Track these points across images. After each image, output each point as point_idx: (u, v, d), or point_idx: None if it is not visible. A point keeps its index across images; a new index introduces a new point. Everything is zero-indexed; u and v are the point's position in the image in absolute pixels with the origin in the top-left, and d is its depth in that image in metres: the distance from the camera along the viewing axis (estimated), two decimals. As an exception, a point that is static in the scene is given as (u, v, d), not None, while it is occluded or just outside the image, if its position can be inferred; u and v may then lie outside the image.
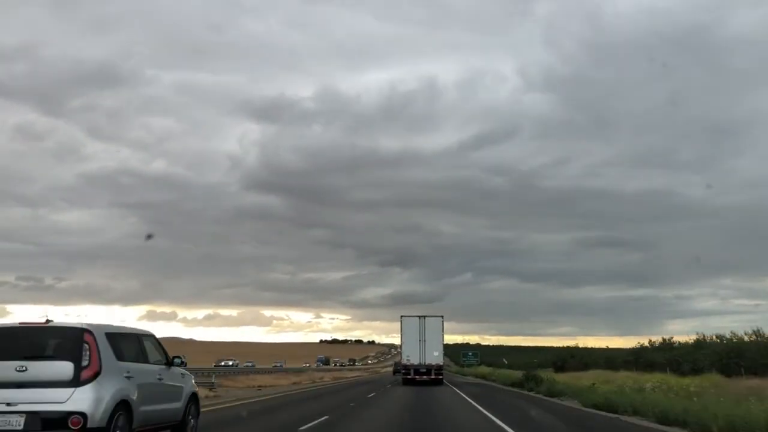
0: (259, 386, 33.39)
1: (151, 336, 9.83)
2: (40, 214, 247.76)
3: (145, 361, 9.18)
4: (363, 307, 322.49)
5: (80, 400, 7.52)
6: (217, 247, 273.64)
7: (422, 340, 34.26)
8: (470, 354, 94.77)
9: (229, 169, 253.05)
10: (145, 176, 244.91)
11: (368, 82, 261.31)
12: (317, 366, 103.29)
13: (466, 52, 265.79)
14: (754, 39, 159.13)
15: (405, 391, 28.90)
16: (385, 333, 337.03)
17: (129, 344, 8.88)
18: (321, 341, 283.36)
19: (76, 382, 7.61)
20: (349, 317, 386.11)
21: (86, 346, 7.82)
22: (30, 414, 7.42)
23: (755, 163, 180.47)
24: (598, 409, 18.60)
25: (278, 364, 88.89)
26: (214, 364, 68.45)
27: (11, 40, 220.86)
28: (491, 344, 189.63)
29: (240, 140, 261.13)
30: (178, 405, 9.90)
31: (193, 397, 10.52)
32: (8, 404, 7.46)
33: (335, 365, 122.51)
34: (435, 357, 34.41)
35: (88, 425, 7.47)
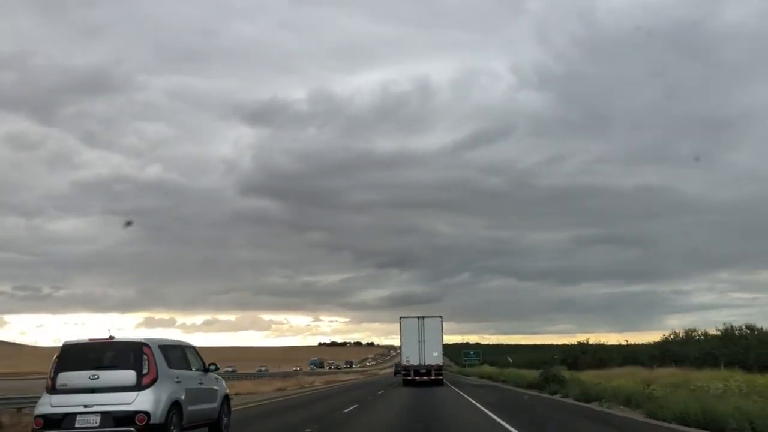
0: (234, 394, 30.29)
1: (191, 346, 11.51)
2: (36, 224, 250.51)
3: (188, 368, 10.85)
4: (362, 309, 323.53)
5: (143, 401, 9.18)
6: (214, 252, 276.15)
7: (422, 341, 34.27)
8: (471, 353, 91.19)
9: (224, 173, 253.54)
10: (140, 182, 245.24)
11: (361, 84, 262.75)
12: (311, 369, 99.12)
13: (459, 51, 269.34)
14: (746, 32, 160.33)
15: (400, 397, 25.67)
16: (385, 335, 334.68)
17: (176, 354, 10.55)
18: (320, 344, 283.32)
19: (138, 386, 9.27)
20: (348, 320, 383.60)
21: (145, 357, 9.49)
22: (104, 414, 9.08)
23: (750, 157, 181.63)
24: (687, 425, 12.42)
25: (262, 368, 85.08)
26: None
27: (1, 48, 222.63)
28: (491, 343, 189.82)
29: (234, 144, 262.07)
30: (215, 405, 11.57)
31: (226, 398, 12.21)
32: (85, 406, 9.12)
33: (329, 368, 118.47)
34: (435, 357, 34.43)
35: (151, 422, 9.13)
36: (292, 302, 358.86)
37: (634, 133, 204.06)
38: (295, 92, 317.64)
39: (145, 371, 9.38)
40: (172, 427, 9.58)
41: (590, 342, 53.00)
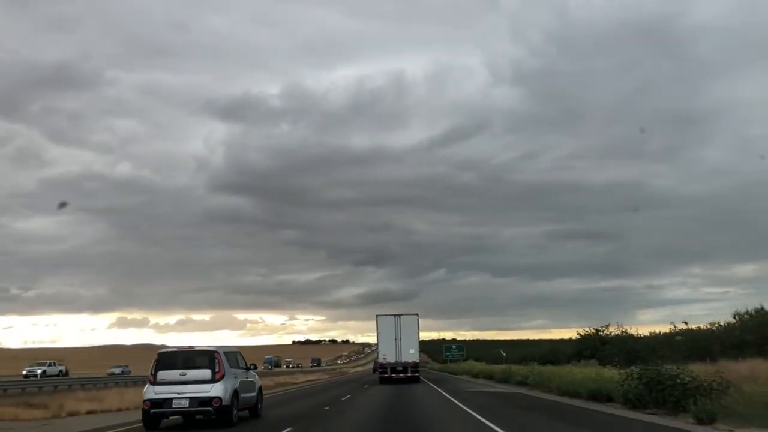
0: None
1: (239, 352, 15.81)
2: (3, 222, 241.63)
3: (239, 367, 15.13)
4: (338, 308, 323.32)
5: (217, 390, 13.44)
6: (187, 250, 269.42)
7: (398, 339, 34.74)
8: (454, 348, 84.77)
9: (195, 170, 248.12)
10: (111, 180, 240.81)
11: (336, 79, 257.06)
12: (266, 369, 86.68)
13: (434, 46, 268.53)
14: (717, 27, 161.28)
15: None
16: (361, 332, 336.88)
17: (232, 358, 14.83)
18: (294, 342, 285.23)
19: (213, 380, 13.53)
20: (323, 318, 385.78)
21: (216, 360, 13.78)
22: (191, 398, 13.33)
23: (720, 152, 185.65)
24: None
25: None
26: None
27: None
28: (466, 339, 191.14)
29: (206, 141, 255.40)
30: (254, 394, 15.90)
31: (260, 390, 16.58)
32: (178, 393, 13.35)
33: (287, 367, 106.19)
34: (411, 355, 34.98)
35: (222, 404, 13.41)
36: (268, 301, 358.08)
37: (607, 129, 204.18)
38: (268, 87, 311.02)
39: (216, 370, 13.67)
40: (233, 409, 13.91)
41: (611, 333, 39.30)
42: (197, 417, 13.90)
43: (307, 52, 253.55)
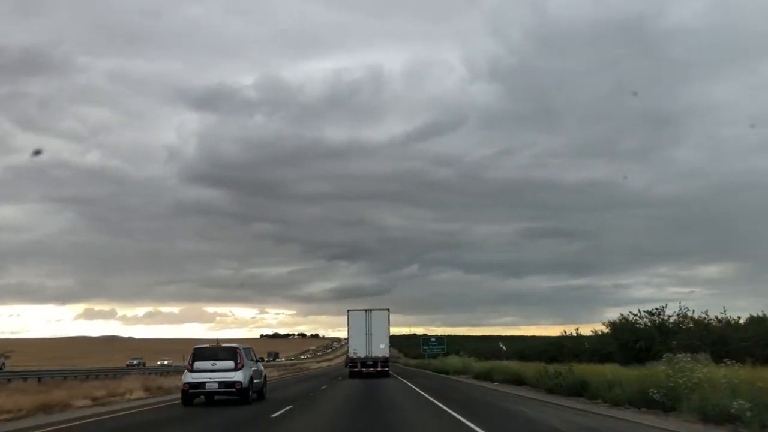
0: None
1: (251, 348, 20.22)
2: None
3: (252, 359, 19.57)
4: (309, 302, 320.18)
5: (238, 376, 17.80)
6: (157, 242, 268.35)
7: (369, 334, 35.06)
8: (433, 341, 70.24)
9: (167, 161, 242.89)
10: (80, 169, 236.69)
11: (312, 71, 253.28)
12: (267, 361, 77.73)
13: (412, 41, 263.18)
14: (692, 29, 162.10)
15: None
16: (332, 327, 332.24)
17: (248, 352, 19.22)
18: (261, 336, 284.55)
19: (235, 369, 17.89)
20: (294, 312, 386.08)
21: (237, 354, 18.18)
22: (219, 382, 17.69)
23: (691, 154, 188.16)
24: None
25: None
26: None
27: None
28: (437, 335, 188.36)
29: (178, 131, 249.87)
30: (261, 380, 20.32)
31: (265, 377, 21.08)
32: (210, 378, 17.71)
33: None
34: (381, 350, 35.38)
35: (243, 386, 17.83)
36: (238, 294, 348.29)
37: (582, 128, 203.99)
38: (243, 78, 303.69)
39: (238, 361, 18.04)
40: (250, 390, 18.34)
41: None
42: (217, 398, 18.31)
43: (284, 43, 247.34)
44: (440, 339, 70.90)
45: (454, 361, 50.90)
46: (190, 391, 17.74)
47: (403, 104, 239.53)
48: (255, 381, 19.11)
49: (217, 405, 18.06)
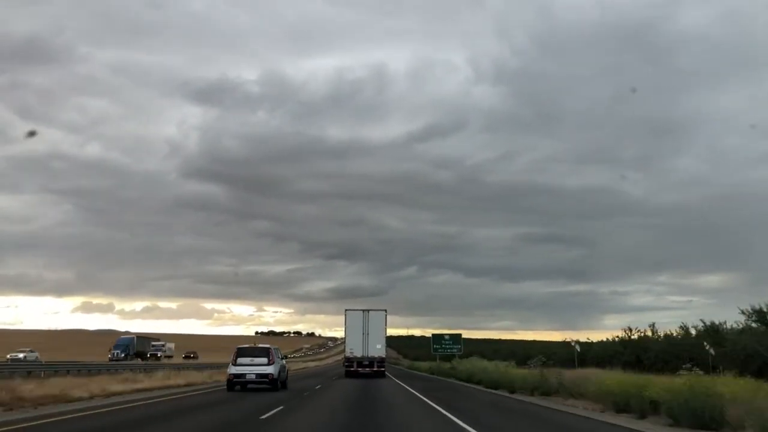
0: None
1: (279, 348, 25.74)
2: None
3: (279, 357, 25.09)
4: (307, 301, 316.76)
5: (270, 369, 23.31)
6: (155, 237, 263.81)
7: (366, 334, 35.29)
8: (447, 339, 56.79)
9: (167, 155, 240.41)
10: (79, 161, 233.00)
11: (316, 68, 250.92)
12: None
13: (417, 40, 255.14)
14: (700, 36, 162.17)
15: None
16: (329, 326, 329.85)
17: (277, 351, 24.83)
18: (256, 333, 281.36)
19: (268, 364, 23.39)
20: (292, 311, 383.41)
21: (270, 352, 23.74)
22: (256, 374, 23.17)
23: (692, 163, 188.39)
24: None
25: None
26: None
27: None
28: (451, 333, 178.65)
29: (179, 125, 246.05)
30: (285, 374, 25.85)
31: (287, 371, 26.55)
32: (249, 370, 23.18)
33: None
34: (378, 350, 35.67)
35: (273, 377, 23.31)
36: (236, 291, 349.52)
37: (584, 134, 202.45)
38: (246, 72, 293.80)
39: (270, 358, 23.54)
40: (278, 381, 23.80)
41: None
42: (250, 386, 23.66)
43: (288, 39, 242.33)
44: (455, 337, 57.47)
45: (484, 366, 37.37)
46: (234, 380, 23.22)
47: (406, 104, 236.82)
48: (281, 374, 24.57)
49: (252, 391, 23.43)
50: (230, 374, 23.37)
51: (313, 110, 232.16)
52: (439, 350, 56.85)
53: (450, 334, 59.06)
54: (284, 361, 26.47)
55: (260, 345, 24.75)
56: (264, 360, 23.46)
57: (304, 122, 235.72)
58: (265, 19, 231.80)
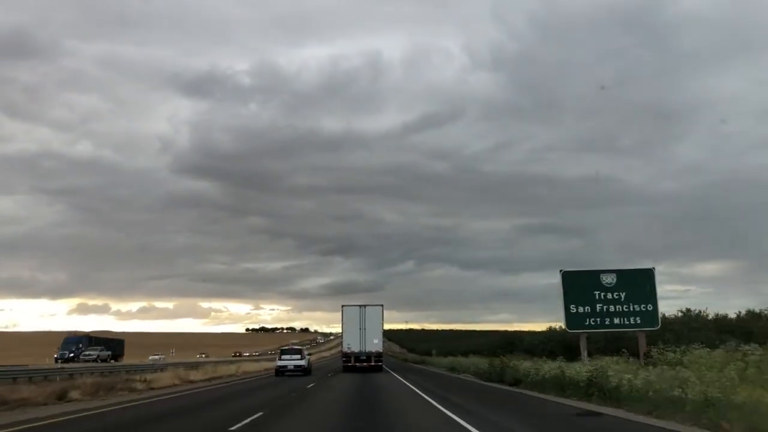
0: None
1: (306, 347, 37.97)
2: None
3: (307, 354, 37.38)
4: (303, 298, 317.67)
5: (303, 362, 35.40)
6: (149, 236, 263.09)
7: (362, 329, 35.88)
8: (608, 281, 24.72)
9: (159, 151, 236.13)
10: (70, 159, 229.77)
11: (309, 58, 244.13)
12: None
13: (411, 26, 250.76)
14: (703, 17, 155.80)
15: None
16: (326, 323, 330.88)
17: (305, 350, 37.13)
18: (247, 330, 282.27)
19: (301, 359, 35.43)
20: (289, 308, 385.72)
21: (302, 351, 36.07)
22: (294, 365, 35.17)
23: (693, 150, 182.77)
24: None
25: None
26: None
27: None
28: (433, 330, 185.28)
29: (170, 120, 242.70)
30: (310, 366, 37.74)
31: (311, 363, 38.75)
32: (289, 363, 35.07)
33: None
34: (375, 345, 36.10)
35: (305, 367, 35.30)
36: (232, 290, 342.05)
37: (583, 121, 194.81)
38: (237, 63, 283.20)
39: (302, 355, 35.75)
40: (308, 370, 35.76)
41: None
42: (287, 374, 35.08)
43: (280, 28, 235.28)
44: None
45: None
46: (280, 369, 35.03)
47: (401, 94, 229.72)
48: (309, 365, 36.55)
49: (289, 378, 34.63)
50: (278, 366, 35.23)
51: (306, 101, 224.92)
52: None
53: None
54: (309, 356, 38.57)
55: (295, 346, 36.89)
56: (298, 356, 35.44)
57: (298, 114, 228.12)
58: (255, 7, 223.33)
